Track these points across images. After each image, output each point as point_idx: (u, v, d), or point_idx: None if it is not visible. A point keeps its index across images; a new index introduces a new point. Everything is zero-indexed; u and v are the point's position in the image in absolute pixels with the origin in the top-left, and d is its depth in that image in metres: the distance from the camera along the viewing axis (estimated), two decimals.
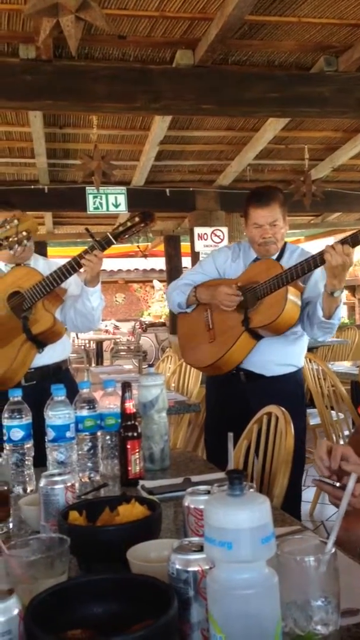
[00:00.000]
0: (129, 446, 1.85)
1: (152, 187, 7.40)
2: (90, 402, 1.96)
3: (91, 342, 11.86)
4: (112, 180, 5.67)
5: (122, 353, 11.90)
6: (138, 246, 2.78)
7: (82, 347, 11.74)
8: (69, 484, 1.42)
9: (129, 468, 1.85)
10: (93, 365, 10.65)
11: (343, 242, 2.40)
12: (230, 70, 4.56)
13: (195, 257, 7.59)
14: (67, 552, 1.11)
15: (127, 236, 2.57)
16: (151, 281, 16.59)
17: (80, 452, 1.91)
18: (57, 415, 1.79)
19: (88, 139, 5.73)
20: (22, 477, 1.82)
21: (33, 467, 1.86)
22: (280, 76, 4.58)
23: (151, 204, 6.45)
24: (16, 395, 1.85)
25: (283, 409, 2.12)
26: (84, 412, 1.93)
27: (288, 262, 2.69)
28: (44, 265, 2.80)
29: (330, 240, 10.77)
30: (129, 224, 2.57)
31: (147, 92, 4.35)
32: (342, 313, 2.74)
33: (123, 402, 1.89)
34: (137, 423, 1.89)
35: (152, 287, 16.76)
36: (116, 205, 6.90)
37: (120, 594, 0.94)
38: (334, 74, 4.60)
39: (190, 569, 0.92)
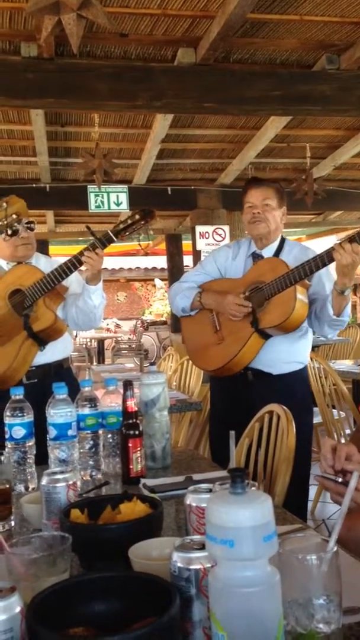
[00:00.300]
0: (130, 444, 1.85)
1: (153, 185, 7.39)
2: (92, 401, 1.96)
3: (93, 340, 11.86)
4: (113, 179, 5.66)
5: (123, 351, 11.91)
6: (139, 244, 2.76)
7: (84, 345, 11.74)
8: (70, 482, 1.42)
9: (131, 466, 1.85)
10: (94, 363, 10.65)
11: (351, 240, 2.39)
12: (232, 68, 4.55)
13: (196, 255, 7.59)
14: (69, 550, 1.11)
15: (127, 234, 2.57)
16: (153, 280, 16.58)
17: (81, 451, 1.92)
18: (59, 413, 1.79)
19: (90, 137, 5.73)
20: (23, 475, 1.82)
21: (35, 465, 1.86)
22: (282, 74, 4.58)
23: (153, 203, 6.44)
24: (18, 394, 1.85)
25: (285, 407, 2.12)
26: (86, 411, 1.93)
27: (287, 257, 2.69)
28: (46, 264, 2.80)
29: (332, 238, 10.76)
30: (129, 221, 2.57)
31: (148, 90, 4.34)
32: None
33: (125, 400, 1.89)
34: (138, 421, 1.89)
35: (154, 285, 16.76)
36: (118, 204, 6.89)
37: (122, 592, 0.94)
38: (335, 72, 4.59)
39: (192, 567, 0.92)
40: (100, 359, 11.40)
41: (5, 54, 4.24)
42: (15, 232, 2.67)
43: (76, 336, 11.50)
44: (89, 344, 11.89)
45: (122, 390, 1.92)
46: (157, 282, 16.14)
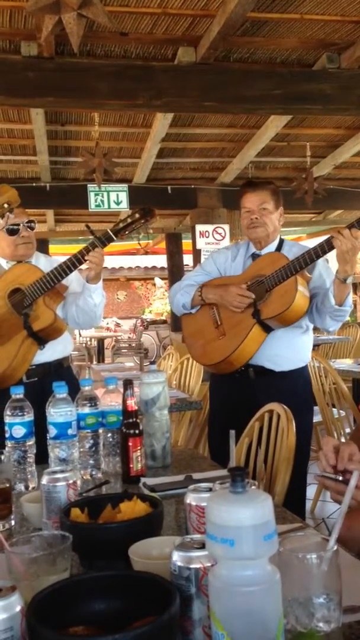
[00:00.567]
0: (130, 443, 1.85)
1: (153, 184, 7.39)
2: (92, 400, 1.96)
3: (92, 339, 11.86)
4: (113, 178, 5.66)
5: (123, 350, 11.91)
6: (139, 243, 2.75)
7: (84, 344, 11.74)
8: (70, 481, 1.42)
9: (131, 465, 1.85)
10: (94, 362, 10.65)
11: (350, 226, 2.41)
12: (232, 67, 4.55)
13: (196, 254, 7.58)
14: (69, 549, 1.11)
15: (127, 232, 2.57)
16: (152, 279, 16.58)
17: (82, 450, 1.91)
18: (59, 412, 1.79)
19: (90, 136, 5.73)
20: (23, 475, 1.82)
21: (35, 465, 1.86)
22: (282, 73, 4.58)
23: (153, 202, 6.43)
24: (18, 393, 1.85)
25: (285, 406, 2.12)
26: (86, 410, 1.93)
27: (287, 255, 2.69)
28: (46, 263, 2.80)
29: None
30: (129, 220, 2.57)
31: (149, 89, 4.34)
32: None
33: (125, 399, 1.90)
34: (138, 420, 1.89)
35: (154, 284, 16.76)
36: (118, 203, 6.89)
37: (122, 591, 0.94)
38: (336, 71, 4.59)
39: (192, 566, 0.92)
40: (100, 358, 11.39)
41: (5, 53, 4.24)
42: (15, 231, 2.67)
43: (80, 335, 11.50)
44: (88, 343, 11.89)
45: (122, 389, 1.92)
46: (157, 281, 16.14)
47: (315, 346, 6.33)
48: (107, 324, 14.35)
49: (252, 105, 4.61)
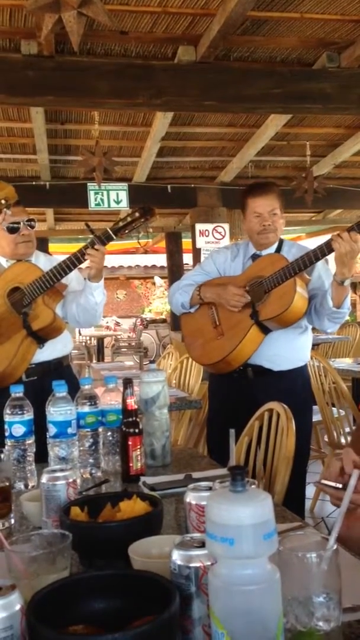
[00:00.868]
0: (130, 442, 1.85)
1: (153, 183, 7.39)
2: (92, 399, 1.96)
3: (92, 338, 11.86)
4: (113, 177, 5.67)
5: (123, 349, 11.90)
6: (139, 242, 2.74)
7: (83, 343, 11.74)
8: (70, 480, 1.42)
9: (131, 464, 1.85)
10: (94, 361, 10.65)
11: (349, 229, 2.42)
12: (232, 66, 4.55)
13: (196, 253, 7.58)
14: (69, 548, 1.11)
15: (127, 231, 2.57)
16: (152, 278, 16.57)
17: (81, 449, 1.91)
18: (59, 411, 1.79)
19: (90, 135, 5.72)
20: (23, 473, 1.82)
21: (34, 463, 1.86)
22: (282, 72, 4.57)
23: (153, 201, 6.40)
24: (18, 391, 1.85)
25: (285, 405, 2.12)
26: (86, 409, 1.93)
27: (287, 256, 2.69)
28: (45, 262, 2.79)
29: None
30: (128, 219, 2.56)
31: (148, 88, 4.34)
32: None
33: (124, 398, 1.89)
34: (138, 419, 1.89)
35: (153, 283, 16.75)
36: (118, 202, 6.89)
37: (122, 590, 0.94)
38: (336, 70, 4.59)
39: (191, 565, 0.92)
40: (100, 357, 11.40)
41: (5, 52, 4.24)
42: (15, 229, 2.67)
43: (79, 334, 11.50)
44: (88, 341, 11.89)
45: (121, 388, 1.92)
46: (157, 280, 16.13)
47: (315, 345, 6.33)
48: (107, 323, 14.35)
49: (252, 104, 4.61)
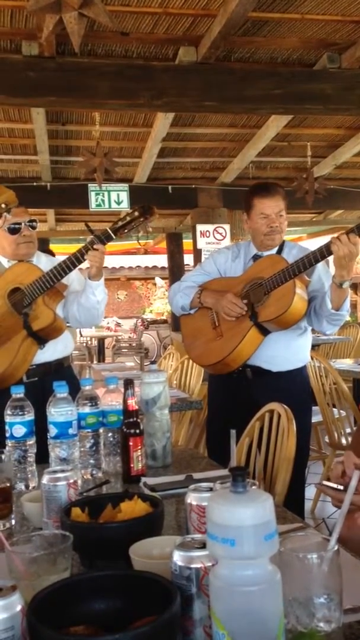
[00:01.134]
0: (131, 443, 1.85)
1: (154, 184, 7.39)
2: (93, 399, 1.96)
3: (93, 339, 11.86)
4: (114, 178, 5.66)
5: (124, 350, 11.90)
6: (139, 242, 2.74)
7: (84, 344, 11.74)
8: (71, 481, 1.42)
9: (131, 465, 1.85)
10: (95, 362, 10.65)
11: (349, 232, 2.42)
12: (233, 67, 4.55)
13: (197, 254, 7.58)
14: (70, 548, 1.11)
15: (126, 230, 2.57)
16: (153, 278, 16.57)
17: (82, 449, 1.91)
18: (60, 412, 1.79)
19: (90, 136, 5.73)
20: (24, 474, 1.82)
21: (35, 464, 1.86)
22: (283, 73, 4.57)
23: (153, 201, 6.37)
24: (18, 392, 1.85)
25: (285, 406, 2.12)
26: (86, 409, 1.93)
27: (287, 257, 2.70)
28: (46, 262, 2.79)
29: None
30: (128, 218, 2.56)
31: (149, 89, 4.34)
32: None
33: (125, 399, 1.90)
34: (139, 420, 1.89)
35: (154, 284, 16.75)
36: (118, 202, 6.89)
37: (123, 591, 0.94)
38: (337, 71, 4.58)
39: (192, 565, 0.92)
40: (101, 358, 11.39)
41: (6, 53, 4.24)
42: (16, 230, 2.67)
43: (80, 335, 11.50)
44: (89, 342, 11.89)
45: (122, 389, 1.92)
46: (158, 280, 16.13)
47: (316, 346, 6.33)
48: (108, 323, 14.35)
49: (253, 105, 4.61)
